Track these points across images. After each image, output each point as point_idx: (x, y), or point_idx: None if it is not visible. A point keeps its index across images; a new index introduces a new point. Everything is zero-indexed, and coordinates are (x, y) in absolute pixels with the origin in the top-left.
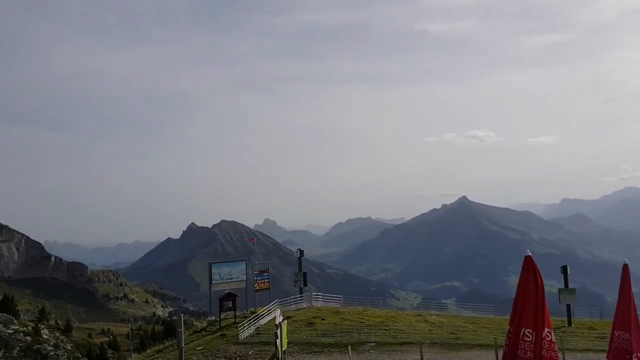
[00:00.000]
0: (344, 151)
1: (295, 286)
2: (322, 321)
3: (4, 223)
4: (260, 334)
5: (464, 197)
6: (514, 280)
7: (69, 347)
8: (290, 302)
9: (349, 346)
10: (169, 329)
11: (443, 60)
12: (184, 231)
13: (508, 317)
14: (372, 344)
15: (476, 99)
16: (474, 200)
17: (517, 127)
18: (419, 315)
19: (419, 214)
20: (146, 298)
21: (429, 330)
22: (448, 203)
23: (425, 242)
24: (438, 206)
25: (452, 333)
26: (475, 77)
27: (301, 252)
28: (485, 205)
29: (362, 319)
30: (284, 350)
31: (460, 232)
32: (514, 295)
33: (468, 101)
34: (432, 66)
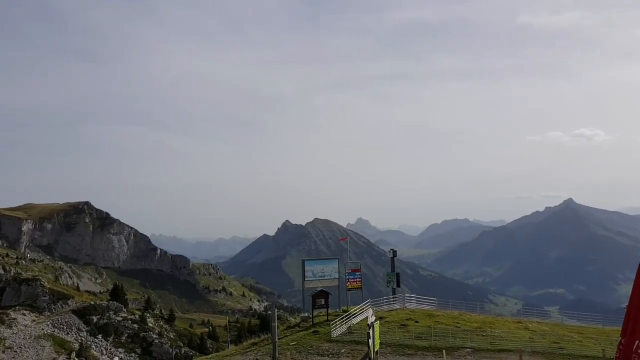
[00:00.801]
0: (440, 150)
1: (388, 287)
2: (416, 323)
3: (115, 217)
4: (352, 332)
5: (570, 200)
6: (624, 289)
7: (172, 336)
8: (383, 302)
9: (444, 350)
10: (264, 323)
11: (547, 54)
12: (278, 228)
13: (618, 328)
14: (469, 349)
15: (583, 95)
16: (581, 203)
17: (628, 126)
18: (519, 322)
19: (520, 217)
20: (243, 292)
21: (529, 338)
22: (552, 205)
23: (527, 246)
24: (541, 209)
25: (555, 342)
26: (582, 72)
27: (394, 252)
28: (593, 208)
29: (457, 323)
30: (377, 351)
31: (565, 237)
32: (624, 305)
33: (574, 97)
34: (535, 61)
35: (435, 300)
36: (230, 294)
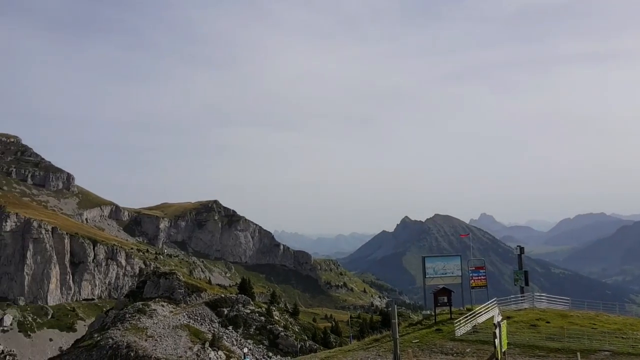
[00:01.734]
0: (571, 139)
1: (515, 285)
2: (547, 324)
3: (241, 214)
4: (477, 332)
5: None
6: None
7: (297, 329)
8: (510, 301)
9: (578, 353)
10: (386, 320)
11: None
12: (397, 224)
13: None
14: (607, 352)
15: None
16: None
17: None
18: None
19: None
20: (364, 288)
21: None
22: None
23: None
24: None
25: None
26: None
27: (521, 249)
28: None
29: (594, 324)
30: (504, 351)
31: None
32: None
33: None
34: None
35: (568, 299)
36: (351, 289)
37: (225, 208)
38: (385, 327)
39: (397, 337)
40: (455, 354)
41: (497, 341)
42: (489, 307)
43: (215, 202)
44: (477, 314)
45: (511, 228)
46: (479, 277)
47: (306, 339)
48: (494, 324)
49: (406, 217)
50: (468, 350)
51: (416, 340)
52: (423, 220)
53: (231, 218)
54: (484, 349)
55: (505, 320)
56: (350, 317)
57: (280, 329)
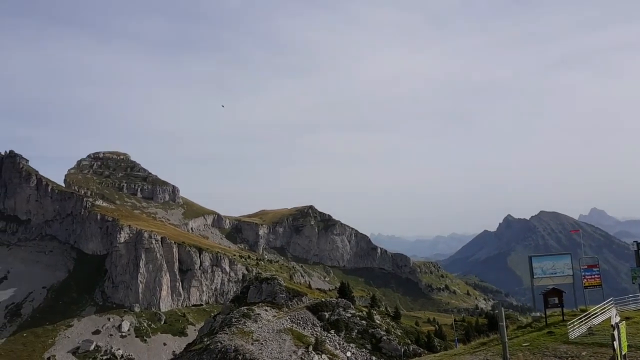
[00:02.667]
0: None
1: (633, 283)
2: None
3: (337, 219)
4: (593, 334)
5: None
6: None
7: (399, 333)
8: (629, 301)
9: None
10: (492, 322)
11: None
12: (500, 223)
13: None
14: None
15: None
16: None
17: None
18: None
19: None
20: (467, 290)
21: None
22: None
23: None
24: None
25: None
26: None
27: (639, 244)
28: None
29: None
30: (624, 354)
31: None
32: None
33: None
34: None
35: None
36: (454, 292)
37: (320, 213)
38: (492, 330)
39: (506, 340)
40: (570, 358)
41: (616, 343)
42: (605, 308)
43: (311, 207)
44: (592, 315)
45: (626, 222)
46: (592, 276)
47: (409, 342)
48: (612, 325)
49: (509, 215)
50: (584, 353)
51: (526, 344)
52: (527, 218)
53: (327, 223)
54: (601, 352)
55: (624, 322)
56: (455, 320)
57: (383, 332)
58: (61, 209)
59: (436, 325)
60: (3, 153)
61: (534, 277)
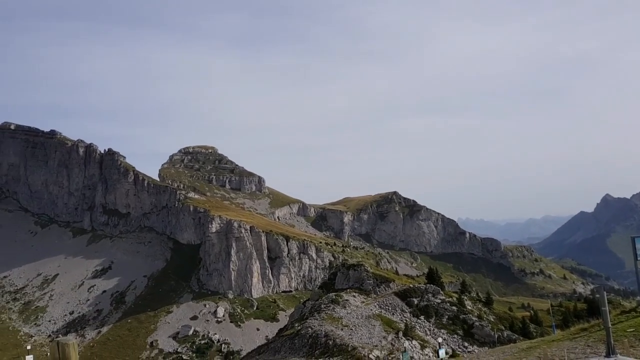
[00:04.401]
0: None
1: None
2: None
3: (422, 204)
4: None
5: None
6: None
7: (492, 319)
8: None
9: None
10: (592, 307)
11: None
12: (597, 204)
13: None
14: None
15: None
16: None
17: None
18: None
19: None
20: (564, 274)
21: None
22: None
23: None
24: None
25: None
26: None
27: None
28: None
29: None
30: None
31: None
32: None
33: None
34: None
35: None
36: (549, 276)
37: (405, 198)
38: (592, 315)
39: (610, 325)
40: None
41: None
42: None
43: (395, 193)
44: None
45: None
46: None
47: (503, 328)
48: None
49: (607, 194)
50: None
51: (631, 329)
52: (628, 196)
53: (412, 208)
54: None
55: None
56: (551, 305)
57: (474, 318)
58: (157, 201)
59: (531, 311)
60: (103, 151)
61: (638, 259)
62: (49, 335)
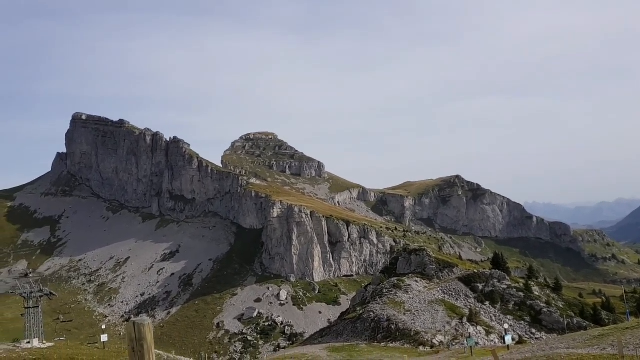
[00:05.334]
0: None
1: None
2: None
3: (486, 188)
4: None
5: None
6: None
7: (561, 305)
8: None
9: None
10: None
11: None
12: None
13: None
14: None
15: None
16: None
17: None
18: None
19: None
20: (638, 259)
21: None
22: None
23: None
24: None
25: None
26: None
27: None
28: None
29: None
30: None
31: None
32: None
33: None
34: None
35: None
36: (622, 261)
37: (468, 182)
38: None
39: None
40: None
41: None
42: None
43: (457, 177)
44: None
45: None
46: None
47: (573, 315)
48: None
49: None
50: None
51: None
52: None
53: (476, 192)
54: None
55: None
56: (625, 291)
57: (542, 304)
58: (220, 187)
59: (603, 298)
60: (168, 139)
61: None
62: (122, 316)
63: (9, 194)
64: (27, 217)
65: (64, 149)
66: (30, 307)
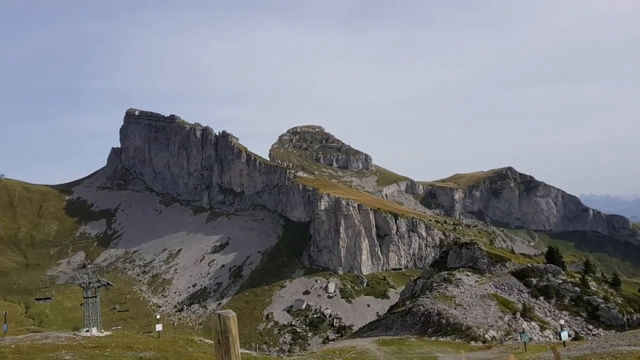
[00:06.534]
0: None
1: None
2: None
3: (540, 180)
4: None
5: None
6: None
7: (619, 301)
8: None
9: None
10: None
11: None
12: None
13: None
14: None
15: None
16: None
17: None
18: None
19: None
20: None
21: None
22: None
23: None
24: None
25: None
26: None
27: None
28: None
29: None
30: None
31: None
32: None
33: None
34: None
35: None
36: None
37: (521, 174)
38: None
39: None
40: None
41: None
42: None
43: (510, 169)
44: None
45: None
46: None
47: (633, 311)
48: None
49: None
50: None
51: None
52: None
53: (529, 184)
54: None
55: None
56: None
57: (600, 300)
58: (268, 180)
59: None
60: (217, 133)
61: None
62: (175, 306)
63: (67, 187)
64: (85, 210)
65: (118, 144)
66: (88, 297)
